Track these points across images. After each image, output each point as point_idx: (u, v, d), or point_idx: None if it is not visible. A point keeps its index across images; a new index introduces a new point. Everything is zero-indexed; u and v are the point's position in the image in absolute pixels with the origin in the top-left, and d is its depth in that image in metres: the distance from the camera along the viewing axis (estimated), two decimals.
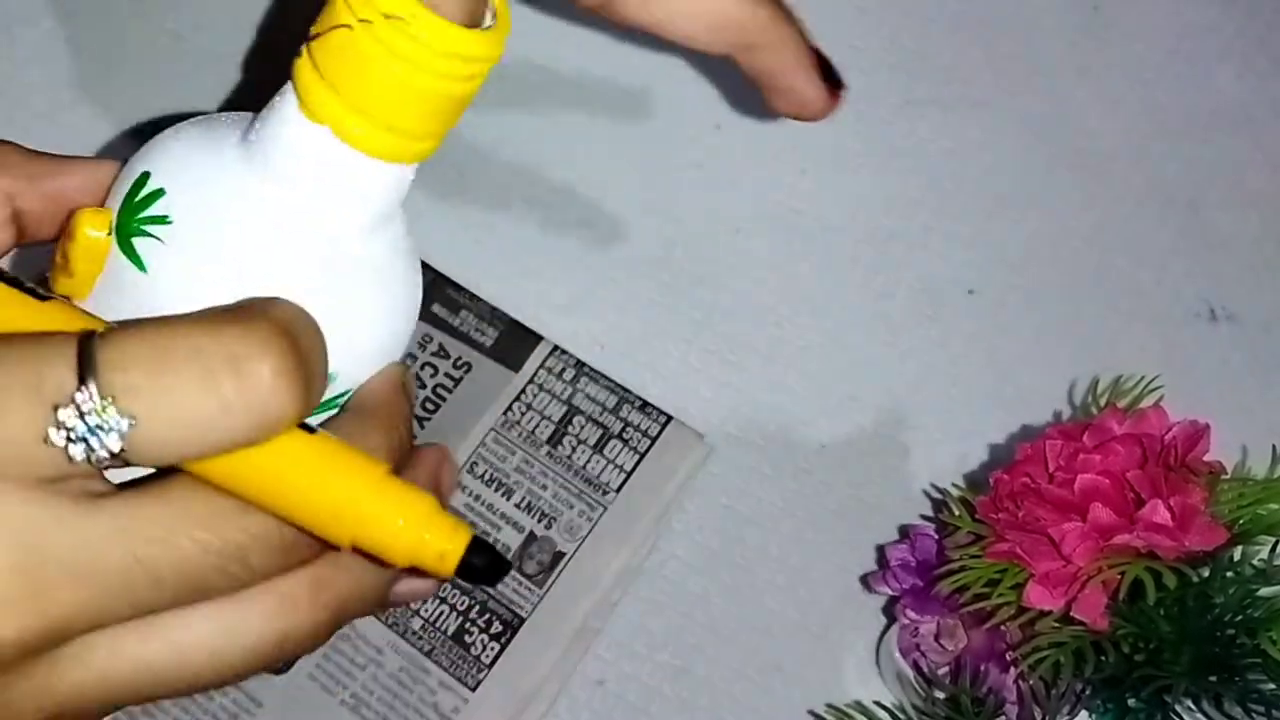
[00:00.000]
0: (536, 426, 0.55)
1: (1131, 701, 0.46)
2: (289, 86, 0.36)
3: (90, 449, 0.29)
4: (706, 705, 0.53)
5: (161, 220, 0.35)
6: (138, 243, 0.35)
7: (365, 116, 0.35)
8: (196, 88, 0.60)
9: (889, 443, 0.57)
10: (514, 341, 0.56)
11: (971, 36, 0.64)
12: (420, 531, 0.32)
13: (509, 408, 0.55)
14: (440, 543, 0.32)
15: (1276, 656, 0.44)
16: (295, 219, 0.36)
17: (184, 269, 0.35)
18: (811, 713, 0.53)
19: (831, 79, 0.48)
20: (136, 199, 0.36)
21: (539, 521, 0.54)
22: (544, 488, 0.54)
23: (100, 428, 0.29)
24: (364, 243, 0.37)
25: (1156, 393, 0.51)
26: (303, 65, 0.36)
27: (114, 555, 0.30)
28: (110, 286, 0.36)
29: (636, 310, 0.59)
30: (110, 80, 0.60)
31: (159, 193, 0.36)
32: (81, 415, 0.29)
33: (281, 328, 0.31)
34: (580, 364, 0.56)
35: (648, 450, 0.55)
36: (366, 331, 0.38)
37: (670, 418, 0.55)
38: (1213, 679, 0.45)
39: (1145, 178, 0.62)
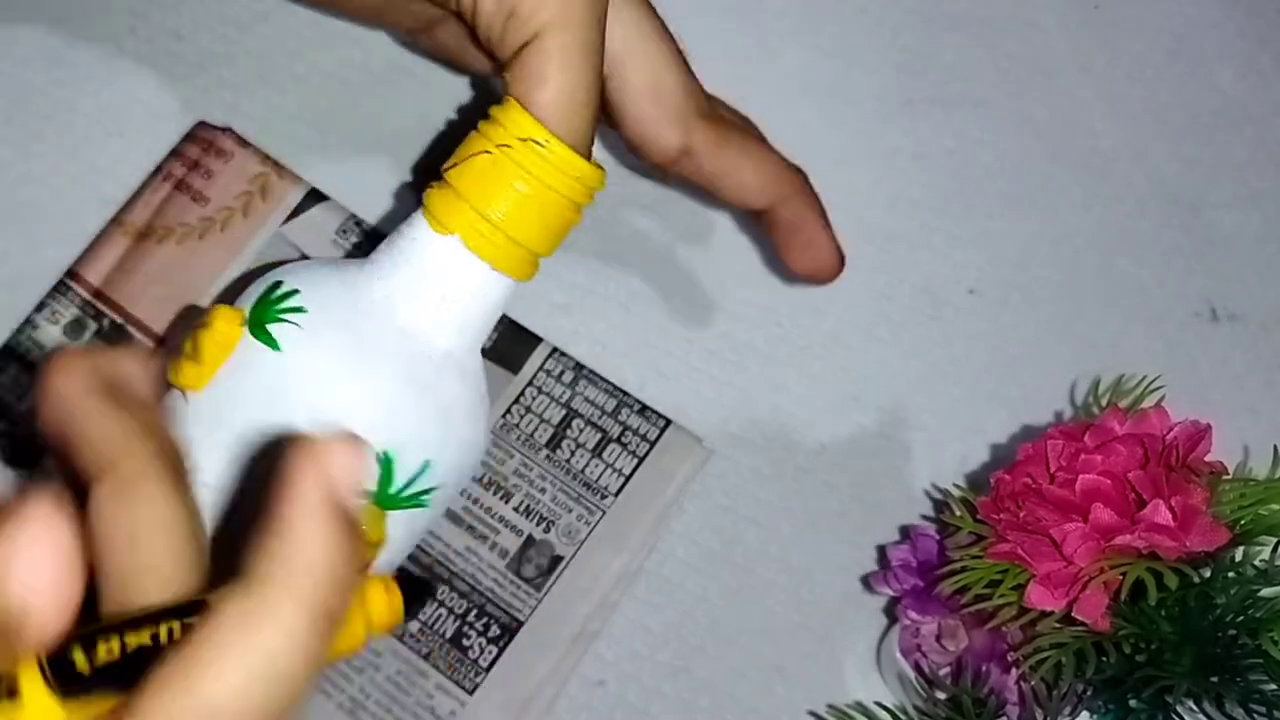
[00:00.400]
0: (535, 430, 0.55)
1: (1133, 702, 0.46)
2: (417, 214, 0.43)
3: None
4: (707, 705, 0.53)
5: (298, 309, 0.42)
6: (275, 329, 0.42)
7: (492, 227, 0.42)
8: (197, 88, 0.60)
9: (890, 443, 0.57)
10: (513, 343, 0.56)
11: (973, 36, 0.64)
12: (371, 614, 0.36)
13: (508, 410, 0.55)
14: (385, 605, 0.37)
15: (1277, 657, 0.44)
16: (417, 323, 0.43)
17: (316, 351, 0.41)
18: (812, 713, 0.53)
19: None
20: (273, 296, 0.42)
21: (537, 525, 0.54)
22: (542, 491, 0.54)
23: None
24: (467, 352, 0.44)
25: (1158, 393, 0.51)
26: (436, 190, 0.43)
27: None
28: (239, 369, 0.42)
29: (637, 310, 0.59)
30: (111, 81, 0.60)
31: (294, 292, 0.42)
32: None
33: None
34: (579, 366, 0.56)
35: (646, 454, 0.55)
36: (463, 437, 0.44)
37: (669, 421, 0.55)
38: (1214, 680, 0.45)
39: (1147, 177, 0.62)
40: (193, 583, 0.32)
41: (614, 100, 0.49)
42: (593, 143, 0.44)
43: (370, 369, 0.42)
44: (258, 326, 0.42)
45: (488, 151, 0.42)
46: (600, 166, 0.44)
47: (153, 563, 0.32)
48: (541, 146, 0.42)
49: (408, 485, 0.42)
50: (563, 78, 0.43)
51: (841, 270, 0.53)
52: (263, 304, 0.42)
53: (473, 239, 0.42)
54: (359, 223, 0.56)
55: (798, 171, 0.52)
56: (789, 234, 0.52)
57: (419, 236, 0.43)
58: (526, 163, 0.42)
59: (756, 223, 0.53)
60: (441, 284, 0.43)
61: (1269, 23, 0.65)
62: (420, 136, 0.60)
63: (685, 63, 0.49)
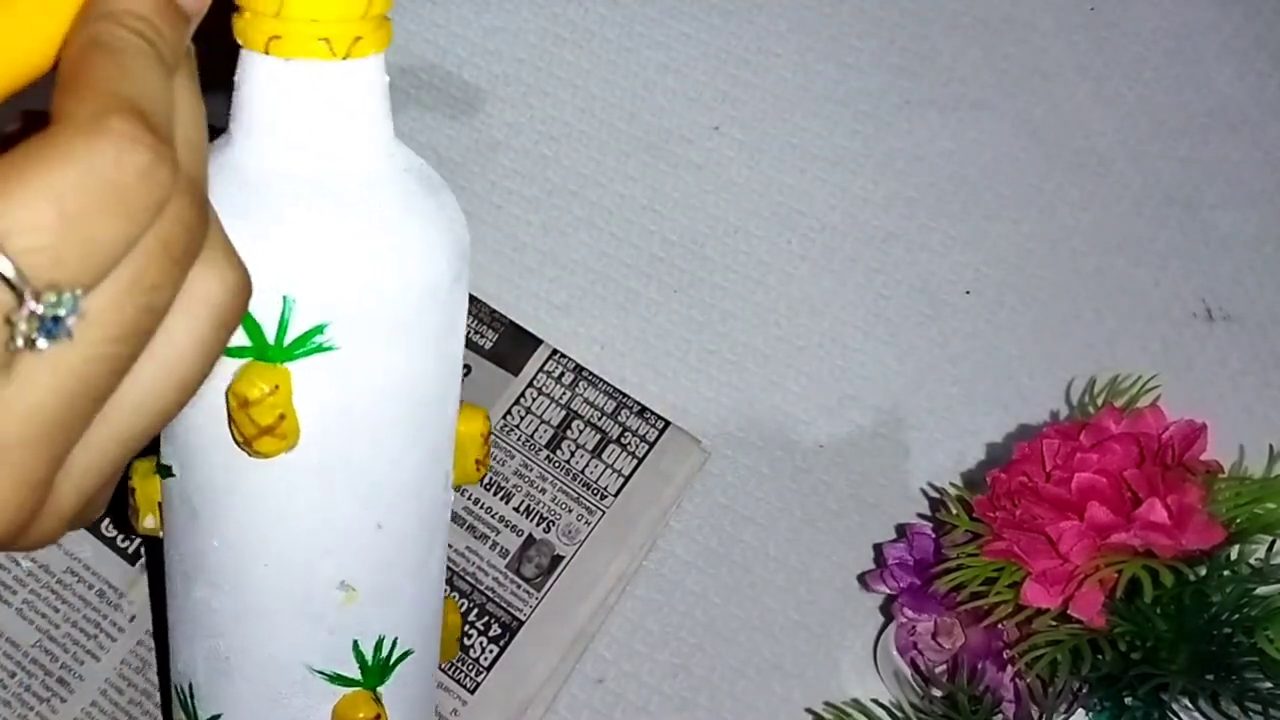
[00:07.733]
0: (535, 430, 0.55)
1: (1128, 700, 0.47)
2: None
3: (52, 333, 0.27)
4: (706, 703, 0.54)
5: None
6: None
7: (288, 24, 0.36)
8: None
9: (887, 442, 0.58)
10: (513, 345, 0.56)
11: (970, 37, 0.64)
12: None
13: (508, 411, 0.55)
14: None
15: (1273, 655, 0.45)
16: (271, 154, 0.38)
17: None
18: (809, 710, 0.54)
19: None
20: None
21: (537, 525, 0.54)
22: (543, 491, 0.54)
23: (57, 317, 0.27)
24: (348, 159, 0.37)
25: (1154, 392, 0.51)
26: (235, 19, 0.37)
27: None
28: None
29: (636, 310, 0.59)
30: None
31: None
32: (41, 321, 0.27)
33: (126, 104, 0.28)
34: (579, 368, 0.56)
35: (646, 455, 0.55)
36: (355, 253, 0.36)
37: (668, 423, 0.55)
38: (1209, 677, 0.45)
39: (1143, 178, 0.62)
40: None
41: None
42: None
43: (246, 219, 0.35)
44: None
45: None
46: None
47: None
48: None
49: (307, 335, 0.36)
50: None
51: None
52: None
53: (278, 48, 0.37)
54: None
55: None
56: None
57: (240, 68, 0.38)
58: None
59: None
60: (273, 104, 0.38)
61: (1266, 24, 0.65)
62: (422, 136, 0.61)
63: None
